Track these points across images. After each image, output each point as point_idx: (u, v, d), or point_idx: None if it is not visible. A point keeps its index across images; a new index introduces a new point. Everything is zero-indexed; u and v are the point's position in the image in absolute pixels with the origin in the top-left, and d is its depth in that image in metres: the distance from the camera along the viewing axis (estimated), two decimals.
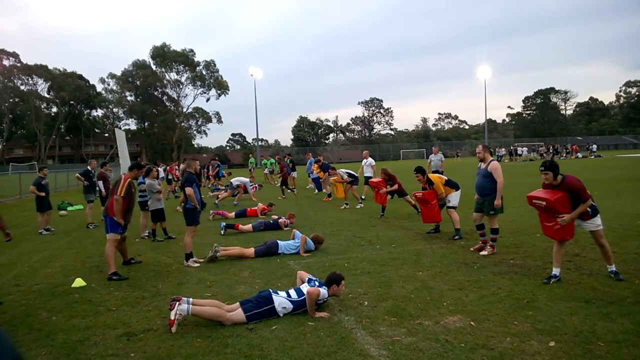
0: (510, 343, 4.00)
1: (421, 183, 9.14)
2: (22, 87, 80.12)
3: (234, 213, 13.13)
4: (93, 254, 8.80)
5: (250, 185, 16.92)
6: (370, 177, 14.66)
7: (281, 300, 4.94)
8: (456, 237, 8.56)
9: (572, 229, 5.65)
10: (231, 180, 17.31)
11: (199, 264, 7.48)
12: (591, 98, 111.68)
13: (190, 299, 4.80)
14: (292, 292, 5.09)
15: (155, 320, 5.01)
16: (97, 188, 12.69)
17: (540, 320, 4.49)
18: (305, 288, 5.07)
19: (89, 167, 13.35)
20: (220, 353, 4.08)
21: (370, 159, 15.62)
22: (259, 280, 6.39)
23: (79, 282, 6.57)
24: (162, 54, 78.16)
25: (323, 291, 4.99)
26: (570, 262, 6.52)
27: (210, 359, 3.97)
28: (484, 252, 7.33)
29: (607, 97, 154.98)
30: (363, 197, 14.50)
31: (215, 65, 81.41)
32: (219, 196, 16.94)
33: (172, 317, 4.62)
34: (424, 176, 9.00)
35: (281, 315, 4.91)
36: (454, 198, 8.77)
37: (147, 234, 10.41)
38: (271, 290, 5.05)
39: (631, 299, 4.94)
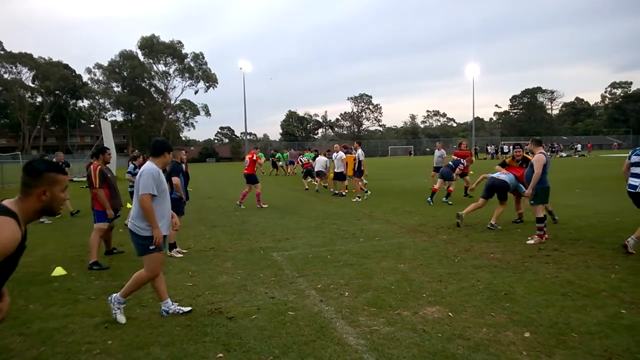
0: (486, 333, 4.06)
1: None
2: (5, 76, 78.53)
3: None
4: (75, 243, 8.71)
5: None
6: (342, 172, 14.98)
7: None
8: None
9: None
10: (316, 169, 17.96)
11: (182, 255, 7.45)
12: (577, 98, 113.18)
13: None
14: None
15: (134, 309, 4.98)
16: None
17: (517, 311, 4.55)
18: None
19: (54, 160, 13.25)
20: (198, 342, 4.08)
21: (340, 153, 15.28)
22: (241, 271, 6.38)
23: (59, 271, 6.51)
24: (151, 45, 77.19)
25: None
26: (549, 257, 6.61)
27: (189, 347, 3.97)
28: (530, 241, 7.48)
29: (593, 97, 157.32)
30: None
31: (203, 57, 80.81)
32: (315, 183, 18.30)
33: None
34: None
35: None
36: None
37: None
38: None
39: (606, 292, 5.04)
